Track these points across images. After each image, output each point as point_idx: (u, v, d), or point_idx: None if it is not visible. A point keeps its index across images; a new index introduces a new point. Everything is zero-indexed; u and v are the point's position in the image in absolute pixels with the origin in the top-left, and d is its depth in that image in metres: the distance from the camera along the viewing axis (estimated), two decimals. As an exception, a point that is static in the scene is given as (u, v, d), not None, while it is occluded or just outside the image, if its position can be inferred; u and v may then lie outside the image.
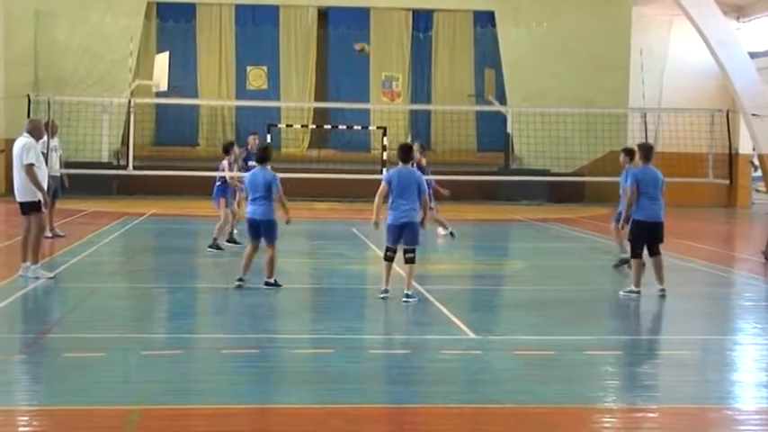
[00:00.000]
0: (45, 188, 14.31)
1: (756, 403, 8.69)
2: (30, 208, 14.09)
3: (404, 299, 12.70)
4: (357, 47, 27.19)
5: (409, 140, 27.32)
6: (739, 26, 34.24)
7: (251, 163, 21.31)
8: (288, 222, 14.13)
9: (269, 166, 14.23)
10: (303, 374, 9.22)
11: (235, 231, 18.84)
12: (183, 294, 12.92)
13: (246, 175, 14.37)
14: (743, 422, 7.98)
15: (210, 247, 18.01)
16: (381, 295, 12.99)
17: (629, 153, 16.38)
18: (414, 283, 13.04)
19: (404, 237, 12.81)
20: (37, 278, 13.91)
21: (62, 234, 19.53)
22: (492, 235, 24.93)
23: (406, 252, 12.87)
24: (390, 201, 12.91)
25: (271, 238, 13.85)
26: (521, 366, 9.71)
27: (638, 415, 8.11)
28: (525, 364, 9.75)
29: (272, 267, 13.83)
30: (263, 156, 14.32)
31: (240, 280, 13.63)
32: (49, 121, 19.75)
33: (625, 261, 15.88)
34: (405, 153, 13.18)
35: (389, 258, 12.98)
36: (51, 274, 14.37)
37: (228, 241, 18.59)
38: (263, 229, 13.84)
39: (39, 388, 8.65)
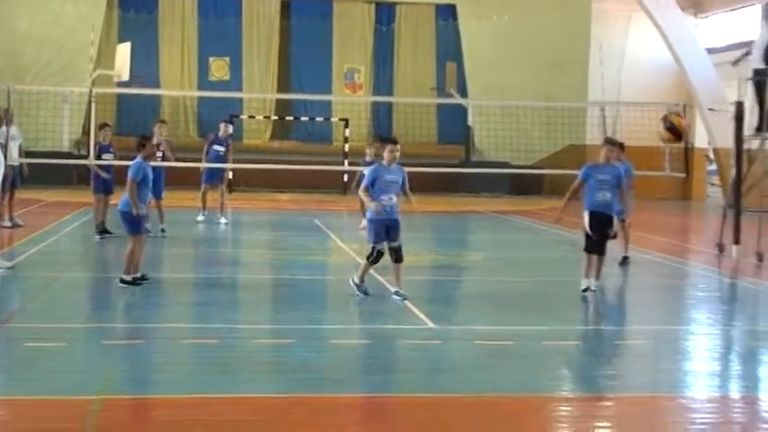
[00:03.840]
0: (0, 178, 14.19)
1: (708, 392, 8.80)
2: None
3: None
4: None
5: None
6: (697, 22, 34.57)
7: (217, 148, 21.45)
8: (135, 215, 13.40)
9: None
10: (265, 364, 9.23)
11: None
12: (144, 284, 12.85)
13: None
14: (695, 410, 8.09)
15: (99, 233, 17.95)
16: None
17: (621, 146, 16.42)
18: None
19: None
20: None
21: (22, 224, 19.38)
22: (452, 227, 25.03)
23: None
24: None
25: (134, 230, 12.95)
26: (480, 356, 9.76)
27: (594, 403, 8.20)
28: (484, 354, 9.81)
29: (128, 263, 12.87)
30: (138, 143, 13.36)
31: (144, 278, 12.99)
32: (7, 109, 19.55)
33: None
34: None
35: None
36: (10, 264, 14.29)
37: (102, 231, 18.10)
38: (127, 221, 12.98)
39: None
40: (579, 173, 13.25)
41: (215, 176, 21.57)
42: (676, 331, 11.51)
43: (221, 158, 21.60)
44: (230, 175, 30.04)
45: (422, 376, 9.05)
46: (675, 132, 18.64)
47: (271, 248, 19.06)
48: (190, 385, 8.34)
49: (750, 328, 12.16)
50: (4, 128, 16.13)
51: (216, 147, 21.53)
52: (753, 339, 11.29)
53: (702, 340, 11.19)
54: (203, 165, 21.43)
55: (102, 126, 19.77)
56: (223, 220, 21.43)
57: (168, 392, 8.15)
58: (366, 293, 12.47)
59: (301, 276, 15.09)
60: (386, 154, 12.49)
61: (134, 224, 12.94)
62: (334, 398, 8.06)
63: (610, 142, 13.53)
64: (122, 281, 12.77)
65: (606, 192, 12.93)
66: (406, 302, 11.97)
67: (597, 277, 13.08)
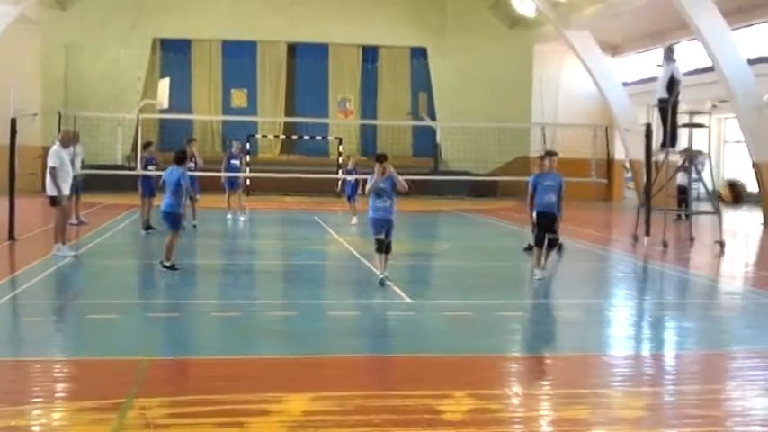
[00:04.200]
0: (67, 187, 14.20)
1: (625, 351, 8.84)
2: (54, 200, 14.01)
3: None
4: None
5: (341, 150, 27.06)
6: (615, 61, 34.67)
7: (233, 162, 21.46)
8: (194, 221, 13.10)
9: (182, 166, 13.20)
10: (276, 332, 9.21)
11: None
12: (180, 269, 12.79)
13: (163, 173, 13.29)
14: (616, 366, 8.11)
15: (145, 229, 17.76)
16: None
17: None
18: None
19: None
20: (64, 256, 13.77)
21: (86, 221, 19.30)
22: (425, 223, 25.01)
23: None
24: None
25: (174, 227, 12.79)
26: (447, 324, 9.77)
27: (537, 361, 8.22)
28: (450, 323, 9.81)
29: (168, 251, 12.69)
30: (177, 158, 13.23)
31: (174, 267, 12.69)
32: (75, 132, 19.46)
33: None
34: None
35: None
36: (75, 253, 14.23)
37: (147, 228, 17.87)
38: (169, 220, 12.83)
39: (68, 343, 8.59)
40: (529, 182, 12.93)
41: (234, 184, 21.59)
42: (601, 304, 11.53)
43: (237, 169, 21.59)
44: (248, 182, 30.09)
45: (401, 340, 9.06)
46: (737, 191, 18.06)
47: (280, 240, 19.02)
48: (216, 349, 8.33)
49: (658, 301, 12.21)
50: (72, 147, 15.97)
51: (232, 161, 21.54)
52: (659, 309, 11.33)
53: (621, 310, 11.23)
54: (223, 174, 21.37)
55: (146, 145, 19.67)
56: (242, 218, 21.45)
57: (199, 354, 8.14)
58: (382, 283, 11.78)
59: (304, 262, 15.06)
60: (376, 168, 11.86)
61: (174, 222, 12.90)
62: (331, 357, 8.06)
63: (551, 153, 13.12)
64: (163, 266, 12.72)
65: (551, 195, 12.62)
66: (389, 283, 11.92)
67: (544, 267, 12.82)
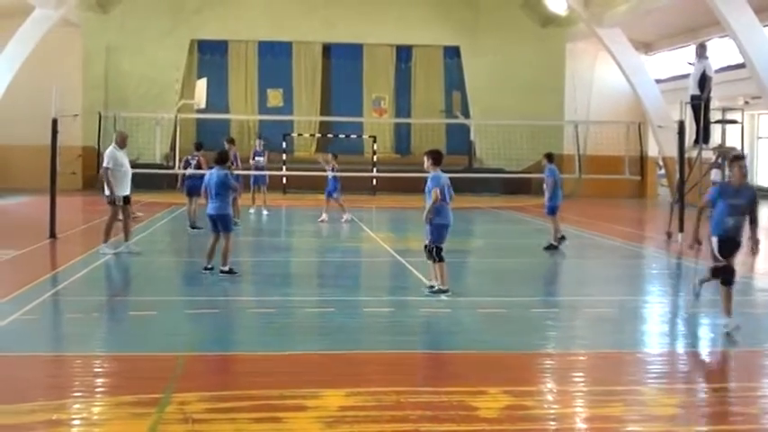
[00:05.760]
0: (125, 186, 14.49)
1: (660, 348, 8.72)
2: (109, 200, 14.24)
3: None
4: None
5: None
6: (647, 59, 34.29)
7: (258, 158, 21.65)
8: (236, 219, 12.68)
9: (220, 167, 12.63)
10: (312, 328, 9.21)
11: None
12: (238, 273, 12.70)
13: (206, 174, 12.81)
14: (650, 363, 8.01)
15: (192, 227, 17.75)
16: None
17: (549, 156, 16.92)
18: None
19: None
20: (105, 254, 13.91)
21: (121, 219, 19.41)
22: (458, 220, 24.83)
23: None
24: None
25: (227, 229, 12.33)
26: (482, 321, 9.70)
27: (572, 358, 8.12)
28: (485, 320, 9.75)
29: (227, 256, 12.23)
30: (218, 158, 12.65)
31: (206, 269, 12.23)
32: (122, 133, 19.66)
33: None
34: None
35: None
36: (114, 250, 14.34)
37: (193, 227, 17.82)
38: (221, 222, 12.31)
39: (109, 338, 8.66)
40: (709, 194, 9.69)
41: (259, 180, 21.90)
42: (635, 300, 11.41)
43: (261, 166, 21.75)
44: (284, 180, 30.21)
45: (436, 337, 9.02)
46: None
47: (316, 237, 19.03)
48: (253, 345, 8.34)
49: (692, 298, 12.01)
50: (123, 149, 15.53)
51: (258, 158, 21.76)
52: (694, 307, 11.16)
53: (655, 307, 11.09)
54: (252, 173, 21.62)
55: (198, 146, 19.57)
56: (265, 212, 21.67)
57: (236, 350, 8.15)
58: (441, 291, 11.03)
59: (339, 258, 15.04)
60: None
61: (226, 224, 12.37)
62: (366, 353, 8.03)
63: (739, 158, 9.52)
64: (222, 271, 12.15)
65: (739, 216, 9.29)
66: (422, 278, 11.82)
67: (729, 312, 9.20)
